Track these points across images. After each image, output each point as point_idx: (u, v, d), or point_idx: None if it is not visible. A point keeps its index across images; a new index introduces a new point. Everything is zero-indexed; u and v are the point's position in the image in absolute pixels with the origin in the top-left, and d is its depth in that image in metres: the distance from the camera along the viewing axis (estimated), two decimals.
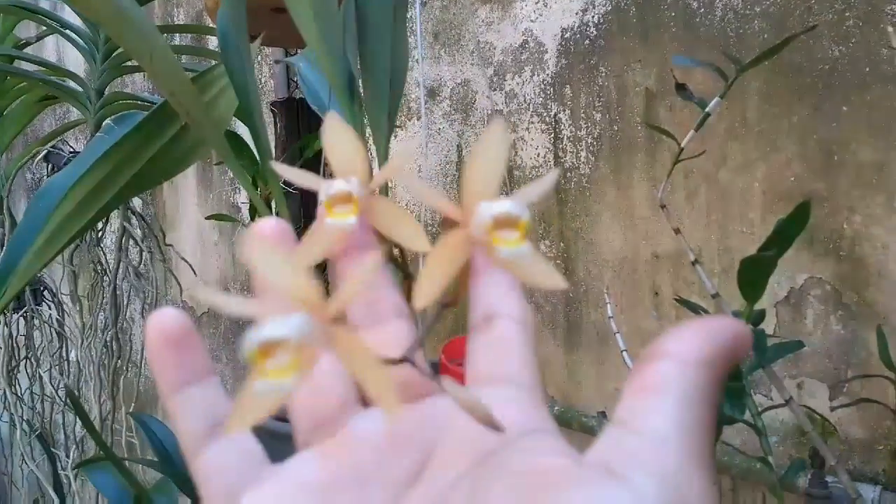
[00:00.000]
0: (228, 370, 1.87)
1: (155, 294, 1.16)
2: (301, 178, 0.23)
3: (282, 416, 0.37)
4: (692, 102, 0.67)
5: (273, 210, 1.02)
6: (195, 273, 1.38)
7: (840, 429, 0.84)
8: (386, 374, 0.18)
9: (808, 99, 0.84)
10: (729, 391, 0.49)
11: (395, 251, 0.42)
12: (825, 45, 0.82)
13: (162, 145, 0.53)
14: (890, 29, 0.45)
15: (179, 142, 0.53)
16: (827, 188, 0.83)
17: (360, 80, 0.46)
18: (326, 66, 0.41)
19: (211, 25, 1.24)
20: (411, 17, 1.21)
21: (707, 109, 0.64)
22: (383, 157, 0.48)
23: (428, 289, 0.19)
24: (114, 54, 1.22)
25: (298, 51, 0.78)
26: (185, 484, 0.97)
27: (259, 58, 1.50)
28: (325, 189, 0.22)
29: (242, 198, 1.72)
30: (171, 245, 1.28)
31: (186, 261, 1.27)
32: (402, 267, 0.35)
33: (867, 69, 0.79)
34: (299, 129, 1.04)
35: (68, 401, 1.37)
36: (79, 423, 1.66)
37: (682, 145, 0.63)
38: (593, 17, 1.02)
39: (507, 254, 0.20)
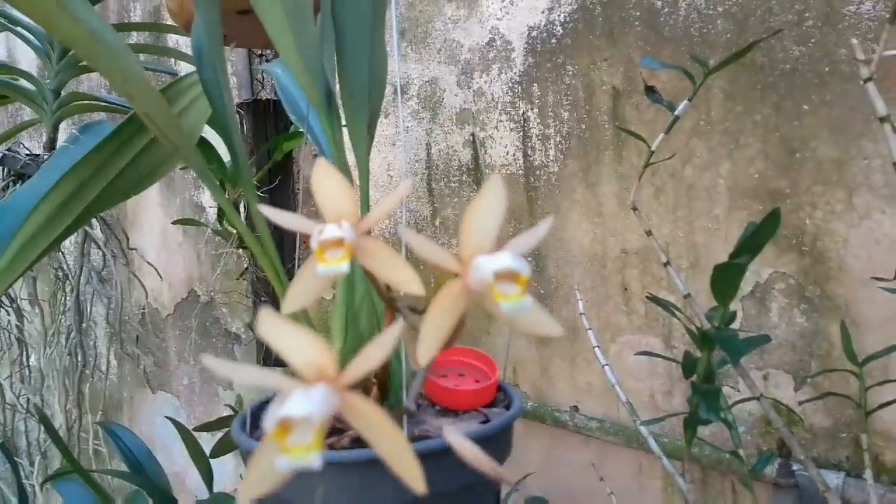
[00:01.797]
0: (196, 373, 1.84)
1: (121, 298, 1.13)
2: (291, 222, 0.23)
3: None
4: (661, 105, 0.68)
5: (241, 214, 1.01)
6: (160, 276, 1.35)
7: (805, 418, 0.87)
8: (406, 447, 0.18)
9: (770, 98, 0.86)
10: (704, 394, 0.50)
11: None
12: (786, 45, 0.84)
13: (132, 157, 0.52)
14: (854, 41, 0.47)
15: (150, 153, 0.52)
16: (789, 185, 0.86)
17: (338, 91, 0.46)
18: (303, 80, 0.40)
19: (170, 23, 1.21)
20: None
21: (676, 112, 0.65)
22: (364, 168, 0.47)
23: (430, 343, 0.19)
24: (70, 52, 1.18)
25: (263, 52, 0.77)
26: (156, 494, 0.96)
27: None
28: (317, 234, 0.21)
29: (207, 198, 1.69)
30: (134, 248, 1.25)
31: (151, 264, 1.24)
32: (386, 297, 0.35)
33: (826, 69, 0.81)
34: (266, 131, 1.02)
35: (32, 410, 1.34)
36: (43, 430, 1.62)
37: (653, 148, 0.64)
38: (559, 15, 1.03)
39: (509, 309, 0.20)
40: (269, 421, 0.17)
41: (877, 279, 0.66)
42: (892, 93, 0.77)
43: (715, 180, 0.92)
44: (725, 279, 0.50)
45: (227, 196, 0.98)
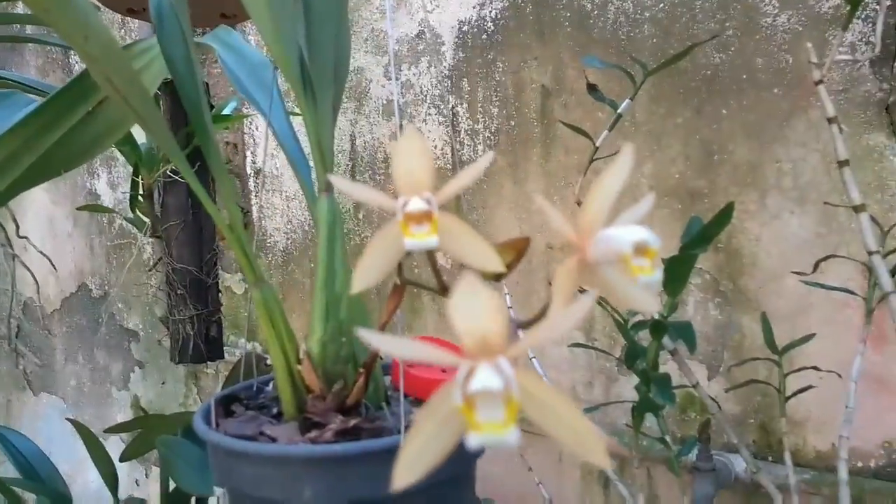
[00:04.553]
0: (86, 372, 1.72)
1: (11, 291, 1.03)
2: (365, 194, 0.21)
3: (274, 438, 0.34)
4: (603, 103, 0.70)
5: (155, 200, 0.94)
6: (54, 266, 1.25)
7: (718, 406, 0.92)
8: (589, 426, 0.17)
9: (691, 101, 0.90)
10: (655, 380, 0.52)
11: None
12: (707, 52, 0.88)
13: (67, 130, 0.47)
14: (809, 45, 0.50)
15: (87, 127, 0.48)
16: (708, 185, 0.90)
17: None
18: (278, 52, 0.38)
19: None
20: None
21: (619, 111, 0.67)
22: (328, 149, 0.45)
23: (564, 325, 0.19)
24: None
25: (204, 31, 0.72)
26: (56, 500, 0.88)
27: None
28: (401, 207, 0.20)
29: (102, 185, 1.58)
30: (25, 237, 1.15)
31: (44, 253, 1.14)
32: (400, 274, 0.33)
33: (744, 76, 0.87)
34: (186, 114, 0.96)
35: None
36: None
37: (598, 144, 0.65)
38: (490, 11, 1.03)
39: (646, 281, 0.20)
40: (455, 396, 0.16)
41: (796, 273, 0.71)
42: (803, 100, 0.82)
43: (638, 179, 0.95)
44: (677, 270, 0.52)
45: (141, 181, 0.92)
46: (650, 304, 0.20)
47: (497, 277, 0.23)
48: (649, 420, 0.74)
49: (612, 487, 1.03)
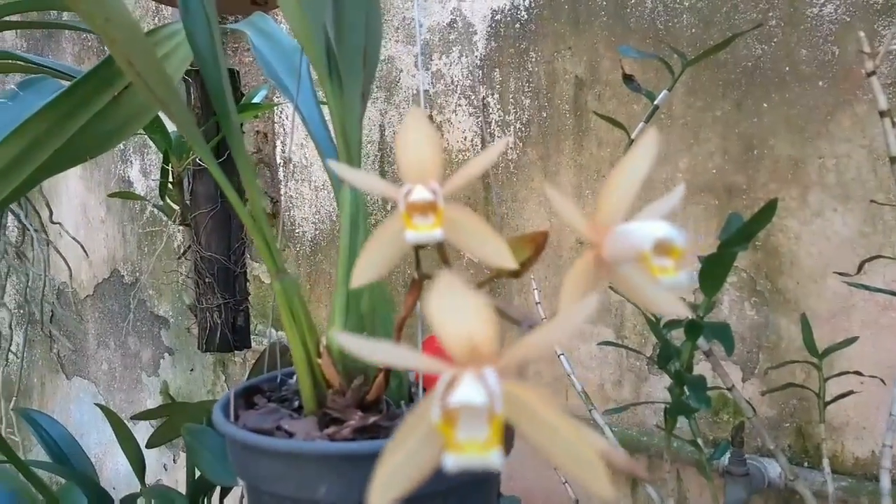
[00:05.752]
0: (117, 357, 1.74)
1: (43, 275, 1.05)
2: (367, 182, 0.20)
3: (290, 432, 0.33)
4: (639, 94, 0.68)
5: (185, 188, 0.95)
6: (86, 253, 1.26)
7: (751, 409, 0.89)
8: (591, 449, 0.15)
9: (731, 94, 0.87)
10: (690, 383, 0.50)
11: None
12: (749, 43, 0.85)
13: (93, 115, 0.46)
14: (861, 33, 0.47)
15: (112, 112, 0.47)
16: (746, 181, 0.87)
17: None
18: (304, 38, 0.37)
19: None
20: None
21: (656, 102, 0.65)
22: (354, 138, 0.44)
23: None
24: None
25: (237, 18, 0.72)
26: (85, 485, 0.89)
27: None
28: (403, 197, 0.19)
29: (135, 172, 1.59)
30: (59, 223, 1.16)
31: (77, 240, 1.15)
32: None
33: (787, 68, 0.83)
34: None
35: None
36: None
37: (633, 137, 0.63)
38: (524, 0, 1.01)
39: (669, 284, 0.18)
40: (433, 411, 0.14)
41: (838, 273, 0.68)
42: (849, 94, 0.79)
43: (673, 174, 0.93)
44: (715, 269, 0.50)
45: (171, 168, 0.92)
46: (674, 308, 0.18)
47: (514, 275, 0.21)
48: (680, 421, 0.72)
49: (640, 489, 1.01)
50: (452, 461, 0.17)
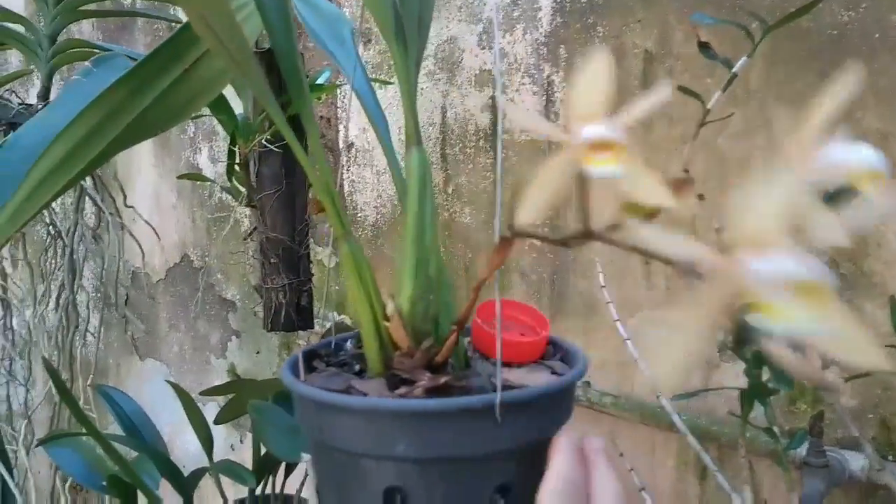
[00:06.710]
0: (187, 339, 1.80)
1: (118, 258, 1.08)
2: (530, 120, 0.20)
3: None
4: (715, 62, 0.64)
5: (251, 170, 0.96)
6: (158, 237, 1.30)
7: (832, 397, 0.85)
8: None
9: (814, 65, 0.82)
10: (770, 364, 0.47)
11: None
12: (834, 10, 0.80)
13: (162, 90, 0.47)
14: None
15: (181, 86, 0.48)
16: None
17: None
18: (376, 8, 0.36)
19: None
20: None
21: (734, 69, 0.62)
22: (410, 108, 0.43)
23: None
24: None
25: None
26: (156, 458, 0.92)
27: None
28: (583, 133, 0.20)
29: (203, 159, 1.63)
30: (132, 206, 1.20)
31: (150, 224, 1.19)
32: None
33: (876, 35, 0.78)
34: (280, 83, 0.97)
35: (45, 371, 1.29)
36: (22, 396, 1.56)
37: (709, 107, 0.60)
38: None
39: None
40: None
41: None
42: None
43: (750, 151, 0.88)
44: None
45: (237, 150, 0.93)
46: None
47: (649, 215, 0.23)
48: (753, 411, 0.69)
49: (709, 479, 0.97)
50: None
